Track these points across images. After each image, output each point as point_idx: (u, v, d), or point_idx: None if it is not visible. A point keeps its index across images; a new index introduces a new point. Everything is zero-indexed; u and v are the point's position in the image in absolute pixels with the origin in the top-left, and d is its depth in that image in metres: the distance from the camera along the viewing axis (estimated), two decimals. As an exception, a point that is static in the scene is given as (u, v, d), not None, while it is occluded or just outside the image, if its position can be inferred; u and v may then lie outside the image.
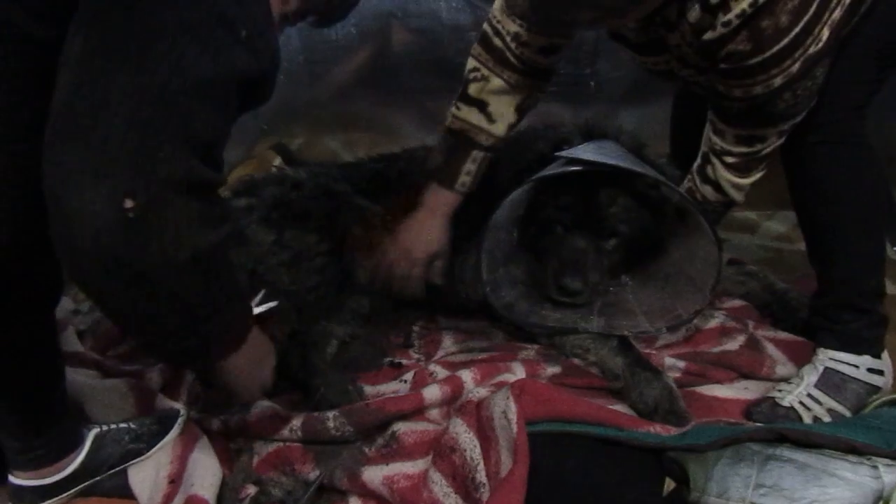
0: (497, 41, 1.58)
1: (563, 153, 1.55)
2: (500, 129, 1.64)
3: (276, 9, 1.09)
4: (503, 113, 1.63)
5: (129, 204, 0.80)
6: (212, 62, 0.85)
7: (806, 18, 1.22)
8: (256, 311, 1.20)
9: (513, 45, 1.56)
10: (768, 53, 1.26)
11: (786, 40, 1.24)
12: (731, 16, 1.23)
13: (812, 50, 1.26)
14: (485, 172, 1.68)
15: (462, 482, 1.24)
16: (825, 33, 1.25)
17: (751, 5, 1.21)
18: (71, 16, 0.84)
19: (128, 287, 0.87)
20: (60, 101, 0.82)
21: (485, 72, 1.61)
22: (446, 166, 1.67)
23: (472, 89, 1.63)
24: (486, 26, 1.61)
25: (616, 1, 1.20)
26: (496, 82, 1.61)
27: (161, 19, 0.82)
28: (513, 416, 1.25)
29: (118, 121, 0.80)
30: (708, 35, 1.29)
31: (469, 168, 1.65)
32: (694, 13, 1.29)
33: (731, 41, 1.27)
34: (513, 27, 1.55)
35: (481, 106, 1.63)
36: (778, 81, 1.29)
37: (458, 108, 1.65)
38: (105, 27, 0.82)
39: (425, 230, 1.68)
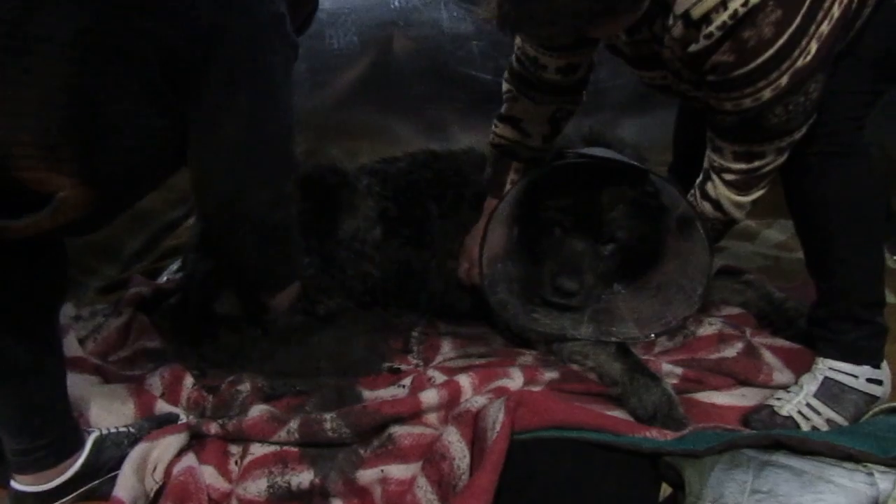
0: (517, 66, 1.70)
1: (571, 151, 1.58)
2: (535, 141, 1.77)
3: None
4: (536, 127, 1.75)
5: (277, 194, 1.33)
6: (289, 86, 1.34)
7: (790, 31, 1.23)
8: None
9: (532, 69, 1.66)
10: (753, 65, 1.27)
11: (770, 52, 1.25)
12: (712, 28, 1.25)
13: (800, 63, 1.27)
14: None
15: (446, 490, 1.25)
16: (813, 47, 1.26)
17: (731, 17, 1.22)
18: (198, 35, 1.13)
19: (266, 238, 1.40)
20: (233, 147, 1.24)
21: (515, 93, 1.73)
22: (494, 178, 1.84)
23: (505, 108, 1.78)
24: (514, 52, 1.72)
25: (570, 21, 1.22)
26: (524, 102, 1.72)
27: (280, 78, 1.28)
28: (498, 427, 1.26)
29: (275, 155, 1.32)
30: (693, 47, 1.32)
31: (513, 178, 1.80)
32: (677, 29, 1.31)
33: (715, 52, 1.29)
34: (531, 52, 1.65)
35: (515, 122, 1.76)
36: (767, 95, 1.30)
37: (496, 125, 1.81)
38: (254, 91, 1.22)
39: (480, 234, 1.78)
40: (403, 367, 1.72)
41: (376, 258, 1.91)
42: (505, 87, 1.77)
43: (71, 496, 1.33)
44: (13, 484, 1.29)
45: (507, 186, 1.77)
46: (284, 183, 1.35)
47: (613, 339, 1.64)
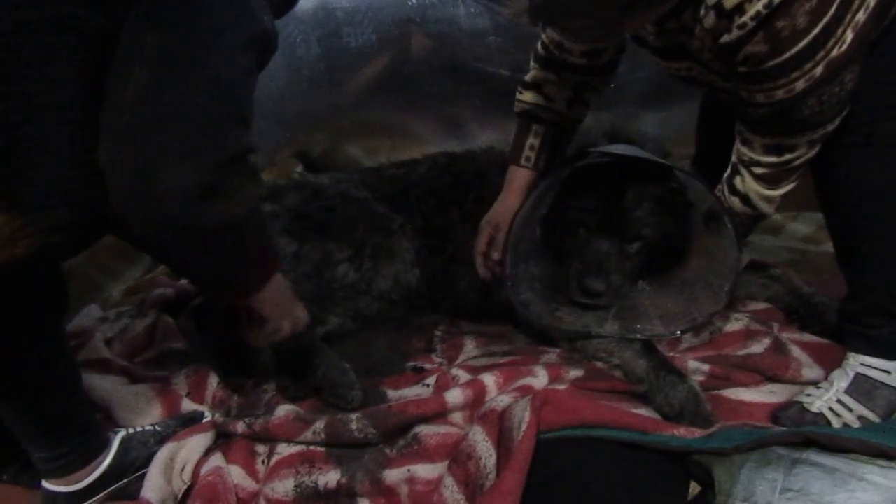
0: (543, 51, 1.70)
1: (595, 149, 1.56)
2: (558, 104, 1.75)
3: None
4: (560, 92, 1.74)
5: (208, 177, 1.00)
6: (250, 52, 1.07)
7: (825, 20, 1.20)
8: None
9: (557, 53, 1.67)
10: (786, 55, 1.24)
11: (804, 42, 1.22)
12: (745, 18, 1.22)
13: (835, 53, 1.23)
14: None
15: (472, 490, 1.25)
16: (849, 36, 1.23)
17: (765, 6, 1.19)
18: (124, 6, 0.97)
19: (198, 242, 1.08)
20: (140, 95, 0.96)
21: (541, 66, 1.73)
22: (514, 145, 1.80)
23: (530, 76, 1.76)
24: (540, 38, 1.72)
25: (606, 12, 1.21)
26: (549, 74, 1.72)
27: (213, 21, 1.02)
28: (524, 426, 1.25)
29: (197, 111, 0.99)
30: (724, 38, 1.29)
31: (531, 142, 1.76)
32: (709, 19, 1.29)
33: (748, 43, 1.26)
34: (555, 37, 1.65)
35: (537, 88, 1.74)
36: (800, 86, 1.27)
37: (519, 92, 1.78)
38: (172, 27, 0.99)
39: (497, 204, 1.79)
40: (427, 366, 1.71)
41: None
42: (532, 63, 1.76)
43: (100, 495, 1.35)
44: (44, 484, 1.32)
45: (525, 152, 1.75)
46: (222, 164, 1.01)
47: (638, 336, 1.62)
